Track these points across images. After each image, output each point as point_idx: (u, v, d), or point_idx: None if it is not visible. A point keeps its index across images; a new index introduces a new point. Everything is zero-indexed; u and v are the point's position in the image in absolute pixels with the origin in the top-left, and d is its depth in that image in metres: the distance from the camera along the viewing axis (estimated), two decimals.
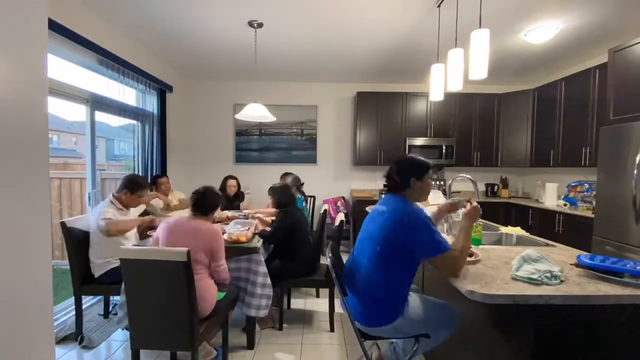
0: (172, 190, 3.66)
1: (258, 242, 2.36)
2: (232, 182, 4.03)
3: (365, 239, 1.64)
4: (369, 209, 2.68)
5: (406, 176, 1.58)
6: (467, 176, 2.51)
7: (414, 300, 1.61)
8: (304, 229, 2.69)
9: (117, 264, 2.28)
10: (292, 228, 2.57)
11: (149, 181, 3.52)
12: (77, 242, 2.38)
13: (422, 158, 1.67)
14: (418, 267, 1.57)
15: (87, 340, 2.38)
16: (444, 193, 3.73)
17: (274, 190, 2.70)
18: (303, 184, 3.67)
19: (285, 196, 2.68)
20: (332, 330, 2.61)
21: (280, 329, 2.61)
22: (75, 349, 2.32)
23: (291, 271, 2.58)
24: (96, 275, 2.37)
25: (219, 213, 3.58)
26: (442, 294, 1.87)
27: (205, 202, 2.06)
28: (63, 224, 2.34)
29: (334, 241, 2.31)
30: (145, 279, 1.75)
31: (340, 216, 2.86)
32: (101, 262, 2.37)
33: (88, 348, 2.34)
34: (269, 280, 2.29)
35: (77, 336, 2.38)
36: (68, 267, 2.37)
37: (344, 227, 5.04)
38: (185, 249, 1.70)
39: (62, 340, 2.39)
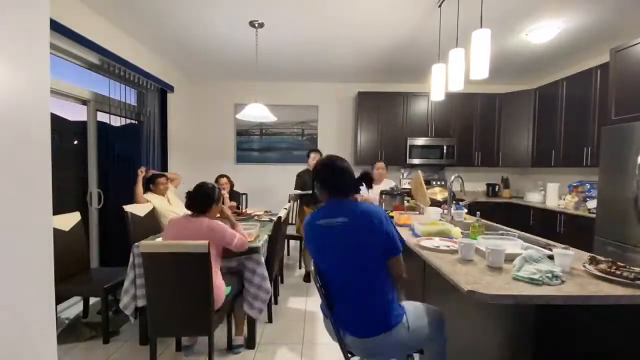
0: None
1: (259, 242, 2.37)
2: (222, 180, 3.70)
3: (338, 255, 1.44)
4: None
5: (354, 179, 1.54)
6: (456, 175, 2.62)
7: (410, 308, 1.48)
8: None
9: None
10: None
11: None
12: None
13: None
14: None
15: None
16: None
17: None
18: None
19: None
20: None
21: (270, 321, 2.69)
22: (80, 346, 2.32)
23: None
24: None
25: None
26: (443, 300, 1.86)
27: (201, 198, 2.08)
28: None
29: None
30: (166, 270, 1.86)
31: None
32: None
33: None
34: (267, 284, 2.30)
35: (104, 332, 2.42)
36: None
37: None
38: (206, 241, 1.81)
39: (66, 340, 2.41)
